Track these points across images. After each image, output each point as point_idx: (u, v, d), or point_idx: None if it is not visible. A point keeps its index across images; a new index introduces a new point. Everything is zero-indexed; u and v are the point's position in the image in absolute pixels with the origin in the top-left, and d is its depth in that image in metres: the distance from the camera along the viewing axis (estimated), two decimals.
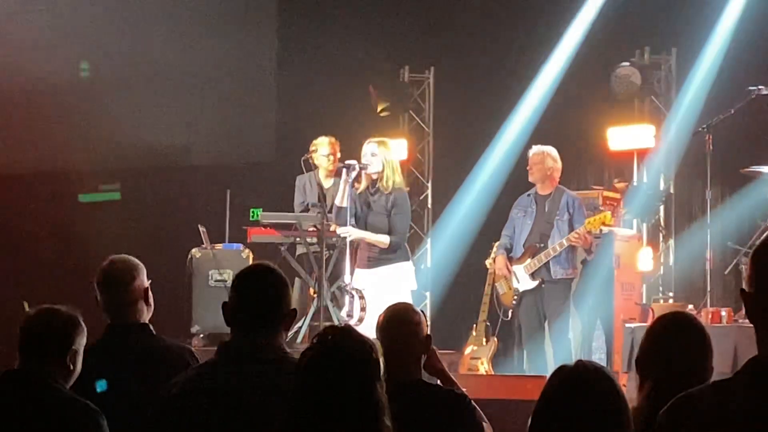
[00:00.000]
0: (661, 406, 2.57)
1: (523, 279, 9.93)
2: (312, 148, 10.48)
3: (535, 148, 10.07)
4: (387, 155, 9.28)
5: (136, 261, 5.00)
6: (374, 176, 9.27)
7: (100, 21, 12.95)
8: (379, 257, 9.30)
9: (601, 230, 10.09)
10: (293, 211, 10.62)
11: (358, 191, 9.34)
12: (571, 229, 9.78)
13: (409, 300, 8.86)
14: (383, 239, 9.27)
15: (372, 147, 9.32)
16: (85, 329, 4.34)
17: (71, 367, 4.29)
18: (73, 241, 12.95)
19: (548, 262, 9.81)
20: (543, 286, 9.86)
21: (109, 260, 4.99)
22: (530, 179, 10.05)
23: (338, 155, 10.45)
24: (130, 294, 4.88)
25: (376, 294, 8.94)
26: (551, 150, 10.04)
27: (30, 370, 4.25)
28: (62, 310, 4.34)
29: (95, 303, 4.92)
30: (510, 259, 10.04)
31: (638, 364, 4.04)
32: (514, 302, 10.01)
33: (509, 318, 10.15)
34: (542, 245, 9.86)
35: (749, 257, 2.67)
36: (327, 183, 10.56)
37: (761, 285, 2.60)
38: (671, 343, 3.97)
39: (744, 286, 2.71)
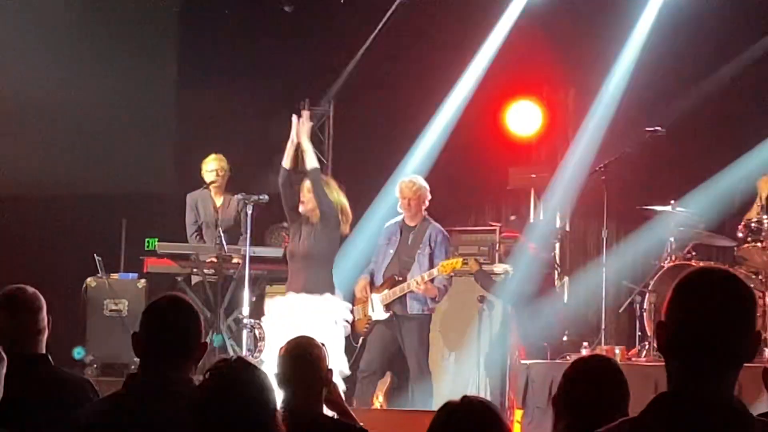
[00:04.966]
0: None
1: (377, 309, 9.92)
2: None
3: (407, 180, 10.05)
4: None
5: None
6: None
7: None
8: (314, 287, 9.28)
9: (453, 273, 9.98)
10: (186, 231, 10.72)
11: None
12: (431, 264, 9.79)
13: (340, 332, 9.00)
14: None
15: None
16: (6, 358, 4.18)
17: None
18: None
19: (405, 296, 9.82)
20: (395, 319, 9.85)
21: (14, 287, 4.79)
22: (404, 211, 10.00)
23: (225, 171, 10.69)
24: (38, 323, 4.72)
25: (293, 321, 8.88)
26: (421, 179, 10.05)
27: None
28: None
29: None
30: (372, 285, 10.04)
31: (555, 404, 4.05)
32: (365, 329, 9.98)
33: (358, 344, 10.07)
34: (401, 278, 9.86)
35: (672, 288, 2.64)
36: (218, 200, 10.85)
37: (680, 317, 2.59)
38: (590, 385, 3.99)
39: (661, 317, 2.66)
